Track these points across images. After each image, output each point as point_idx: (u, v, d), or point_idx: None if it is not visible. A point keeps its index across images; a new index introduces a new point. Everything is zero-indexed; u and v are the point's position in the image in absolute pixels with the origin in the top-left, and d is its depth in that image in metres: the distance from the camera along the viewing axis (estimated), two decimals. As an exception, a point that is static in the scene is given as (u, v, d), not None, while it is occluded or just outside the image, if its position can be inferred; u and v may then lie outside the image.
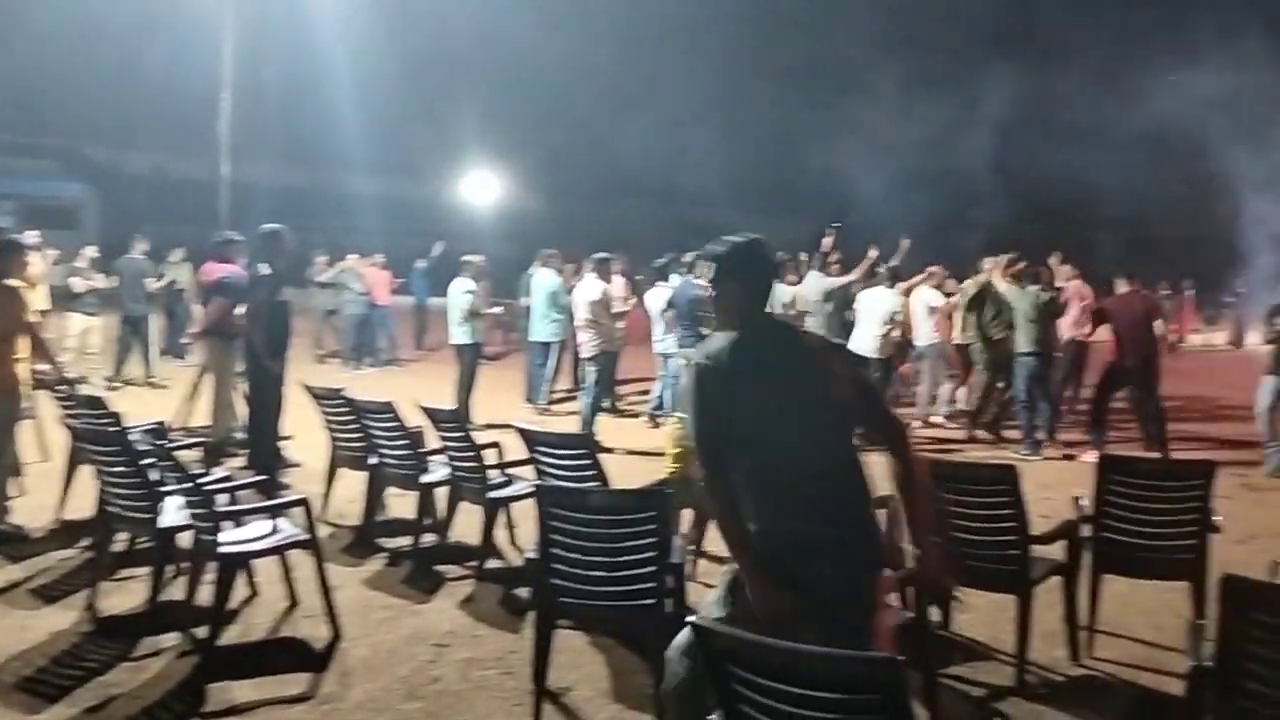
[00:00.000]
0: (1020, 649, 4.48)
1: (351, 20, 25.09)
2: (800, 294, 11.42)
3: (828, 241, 11.60)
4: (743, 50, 39.38)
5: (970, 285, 11.16)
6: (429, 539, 6.30)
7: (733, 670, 2.55)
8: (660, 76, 38.01)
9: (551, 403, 12.17)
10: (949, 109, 33.30)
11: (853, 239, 12.04)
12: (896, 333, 10.89)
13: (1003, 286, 10.58)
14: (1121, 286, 10.16)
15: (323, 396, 7.02)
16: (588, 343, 10.28)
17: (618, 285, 12.06)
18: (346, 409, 6.79)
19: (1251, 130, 25.98)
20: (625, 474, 6.75)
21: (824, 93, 39.68)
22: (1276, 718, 3.05)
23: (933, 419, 11.43)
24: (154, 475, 5.11)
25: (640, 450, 9.66)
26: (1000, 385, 10.74)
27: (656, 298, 10.97)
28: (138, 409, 8.53)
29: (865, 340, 10.60)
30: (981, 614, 5.23)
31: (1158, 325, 9.84)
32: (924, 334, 11.36)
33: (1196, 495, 4.80)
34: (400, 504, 6.90)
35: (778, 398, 3.00)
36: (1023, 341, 9.91)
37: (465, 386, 10.86)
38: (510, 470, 6.21)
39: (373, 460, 6.60)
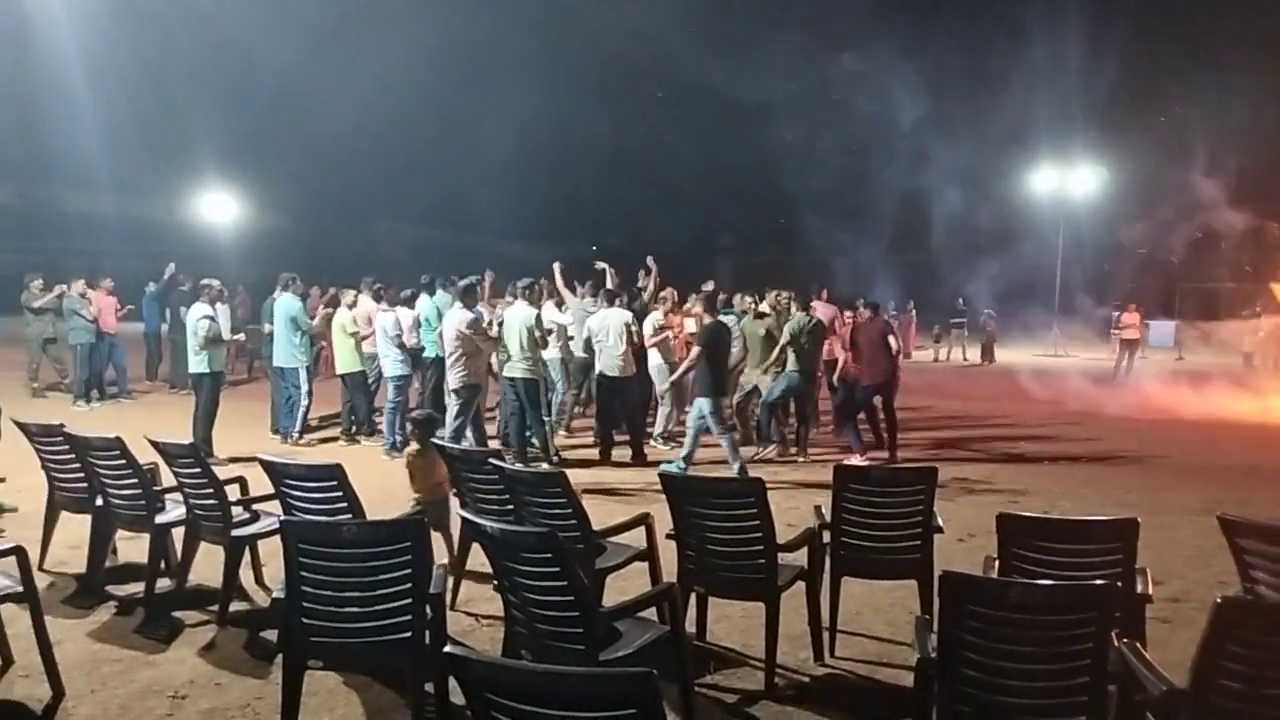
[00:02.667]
0: (769, 653, 4.68)
1: (76, 29, 23.14)
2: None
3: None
4: (496, 68, 39.40)
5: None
6: (165, 584, 5.84)
7: (490, 697, 2.52)
8: (407, 97, 37.42)
9: (307, 430, 11.68)
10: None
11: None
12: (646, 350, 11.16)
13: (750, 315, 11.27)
14: (864, 312, 11.40)
15: (38, 434, 6.39)
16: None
17: (369, 307, 11.76)
18: (66, 447, 6.21)
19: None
20: (381, 502, 6.55)
21: (572, 119, 40.41)
22: (990, 701, 3.34)
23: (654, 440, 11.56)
24: None
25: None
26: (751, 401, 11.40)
27: (389, 319, 10.81)
28: None
29: (609, 360, 10.65)
30: (735, 622, 5.45)
31: (893, 344, 10.88)
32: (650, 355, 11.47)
33: (921, 499, 5.20)
34: (132, 548, 6.38)
35: None
36: (789, 362, 10.57)
37: (205, 418, 10.22)
38: (256, 506, 5.89)
39: (98, 502, 6.07)
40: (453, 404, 9.77)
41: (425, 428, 6.44)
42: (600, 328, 10.77)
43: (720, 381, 9.59)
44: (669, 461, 9.80)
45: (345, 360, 11.48)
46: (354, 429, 11.61)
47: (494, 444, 10.09)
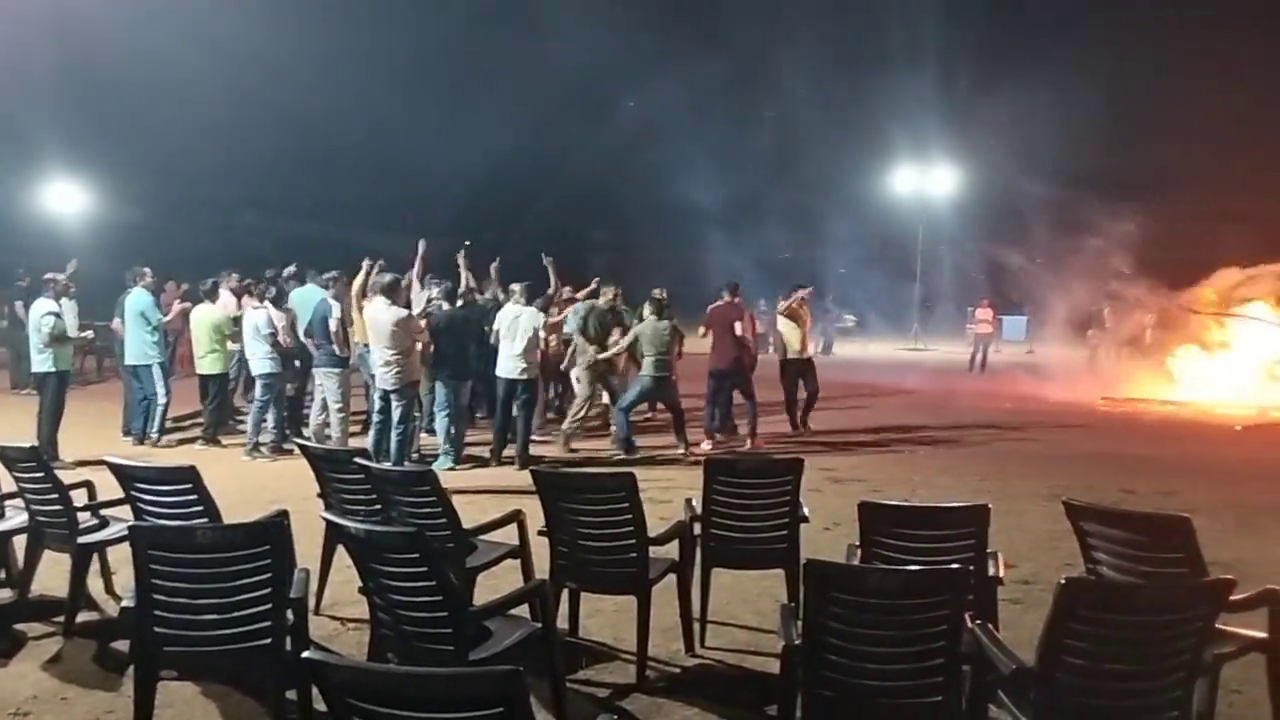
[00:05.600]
0: (640, 646, 4.72)
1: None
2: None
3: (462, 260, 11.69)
4: (362, 54, 38.42)
5: (581, 306, 11.69)
6: (5, 594, 5.56)
7: (352, 703, 2.46)
8: (270, 84, 36.10)
9: (167, 432, 11.20)
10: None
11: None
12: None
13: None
14: (724, 297, 11.55)
15: None
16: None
17: (230, 304, 11.37)
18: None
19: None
20: (243, 505, 6.34)
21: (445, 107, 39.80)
22: (852, 684, 3.44)
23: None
24: None
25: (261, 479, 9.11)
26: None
27: (261, 317, 10.43)
28: None
29: (506, 362, 10.20)
30: (607, 616, 5.46)
31: (737, 329, 11.28)
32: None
33: (788, 490, 5.32)
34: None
35: None
36: (645, 364, 10.68)
37: (50, 420, 9.69)
38: (105, 511, 5.60)
39: (-71, 510, 5.69)
40: (395, 407, 9.36)
41: None
42: (507, 326, 10.22)
43: (457, 368, 9.88)
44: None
45: (213, 361, 11.06)
46: (215, 429, 11.17)
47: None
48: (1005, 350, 27.02)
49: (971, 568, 4.14)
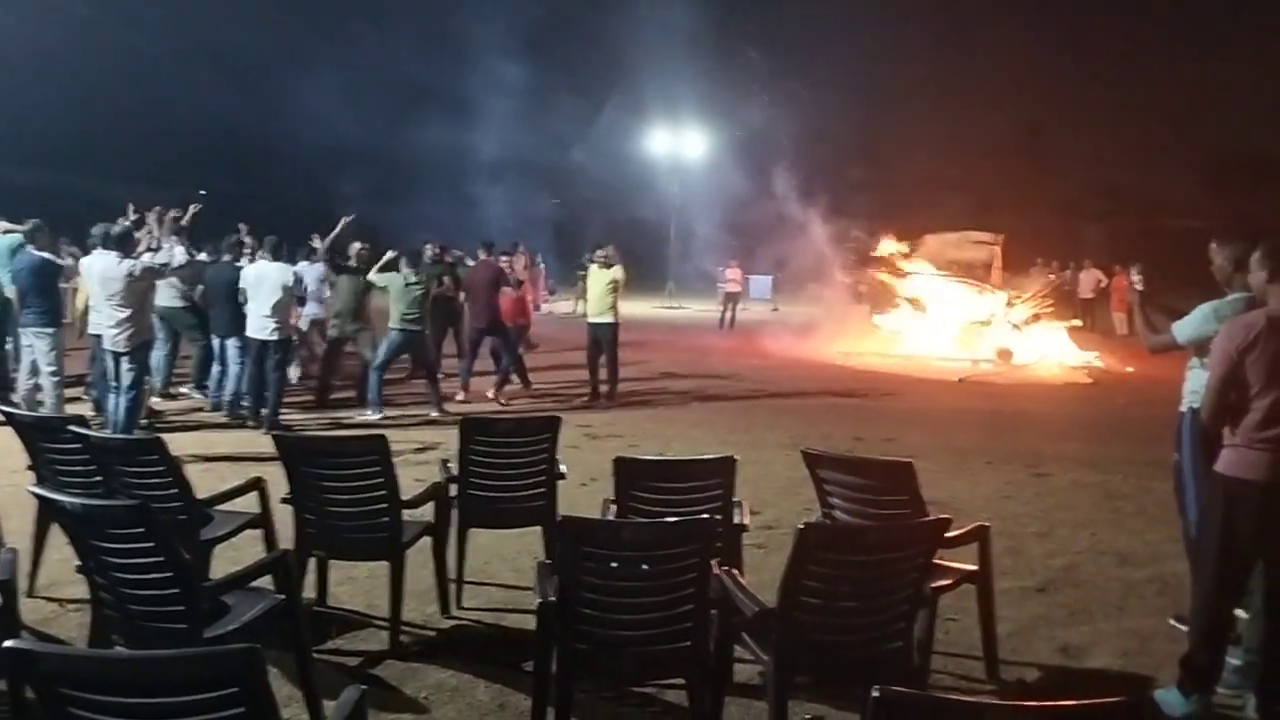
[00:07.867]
0: (394, 612, 4.60)
1: None
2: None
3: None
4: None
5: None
6: None
7: (66, 693, 2.24)
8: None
9: None
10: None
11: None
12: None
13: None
14: (482, 255, 11.53)
15: None
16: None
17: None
18: None
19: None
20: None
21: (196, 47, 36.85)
22: (606, 635, 3.50)
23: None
24: None
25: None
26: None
27: None
28: None
29: (255, 321, 9.56)
30: (359, 584, 5.30)
31: (505, 290, 11.53)
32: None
33: (544, 447, 5.32)
34: None
35: None
36: (392, 317, 10.40)
37: None
38: None
39: None
40: (125, 371, 8.45)
41: None
42: (253, 284, 9.57)
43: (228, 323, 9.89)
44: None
45: None
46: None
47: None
48: (752, 308, 28.27)
49: (719, 516, 4.31)
